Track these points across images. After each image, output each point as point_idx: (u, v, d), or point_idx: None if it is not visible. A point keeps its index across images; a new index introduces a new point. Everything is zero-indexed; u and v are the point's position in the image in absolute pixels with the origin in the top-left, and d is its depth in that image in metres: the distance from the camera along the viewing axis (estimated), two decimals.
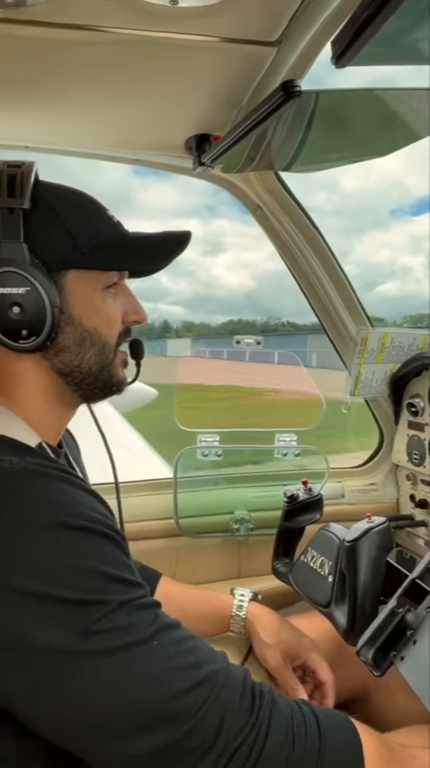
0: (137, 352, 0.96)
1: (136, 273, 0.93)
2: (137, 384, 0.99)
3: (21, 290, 0.75)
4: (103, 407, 0.98)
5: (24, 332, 0.77)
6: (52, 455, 0.80)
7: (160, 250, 0.89)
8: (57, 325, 0.79)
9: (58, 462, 0.77)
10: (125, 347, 0.91)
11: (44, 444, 0.80)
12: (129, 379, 0.93)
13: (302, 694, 1.09)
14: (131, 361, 0.96)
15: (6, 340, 0.77)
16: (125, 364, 0.91)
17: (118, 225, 0.86)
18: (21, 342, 0.77)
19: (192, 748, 0.66)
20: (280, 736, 0.70)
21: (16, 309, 0.76)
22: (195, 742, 0.66)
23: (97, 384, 0.86)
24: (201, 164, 1.17)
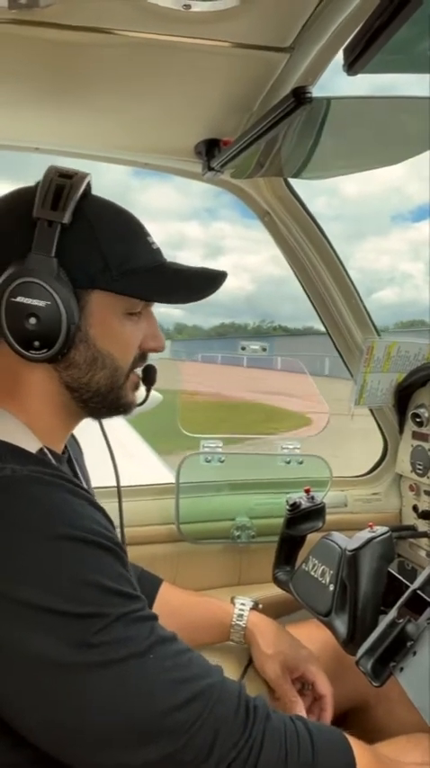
0: (149, 378, 0.94)
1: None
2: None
3: (41, 303, 0.74)
4: None
5: (37, 343, 0.76)
6: (54, 461, 0.79)
7: (191, 288, 0.86)
8: (71, 341, 0.77)
9: (60, 470, 0.77)
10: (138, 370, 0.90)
11: (45, 450, 0.79)
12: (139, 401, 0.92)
13: (301, 707, 1.08)
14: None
15: (18, 347, 0.76)
16: (136, 387, 0.90)
17: (156, 252, 0.85)
18: (31, 351, 0.76)
19: (186, 762, 0.66)
20: (273, 751, 0.70)
21: (33, 320, 0.75)
22: (189, 756, 0.66)
23: (105, 404, 0.85)
24: (211, 168, 1.18)
